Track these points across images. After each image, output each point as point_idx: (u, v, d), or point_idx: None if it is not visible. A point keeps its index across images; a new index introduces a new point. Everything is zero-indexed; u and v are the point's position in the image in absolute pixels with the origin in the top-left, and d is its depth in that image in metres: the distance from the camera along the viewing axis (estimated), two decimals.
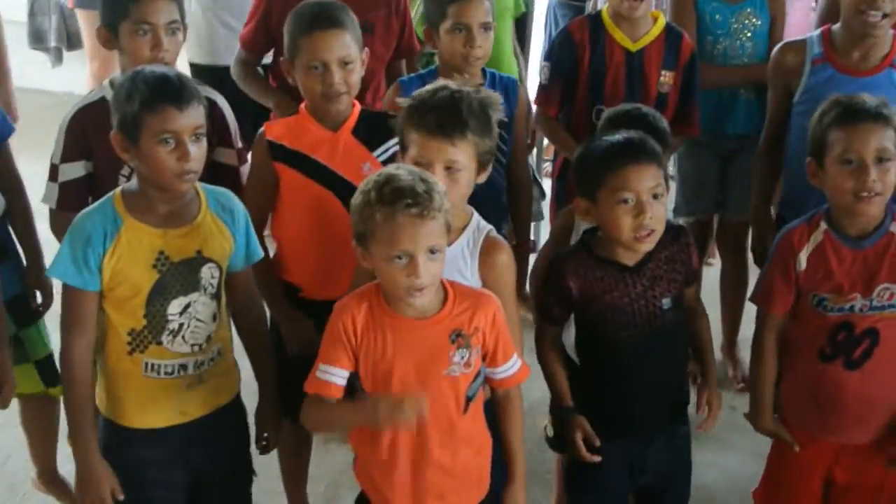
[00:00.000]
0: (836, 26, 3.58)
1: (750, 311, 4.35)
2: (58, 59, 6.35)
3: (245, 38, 3.93)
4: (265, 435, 3.01)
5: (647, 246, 2.83)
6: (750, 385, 3.19)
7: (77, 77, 6.22)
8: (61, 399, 3.39)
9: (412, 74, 3.71)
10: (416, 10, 4.25)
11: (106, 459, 2.77)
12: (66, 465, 3.66)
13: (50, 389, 3.54)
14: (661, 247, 2.88)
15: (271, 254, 3.26)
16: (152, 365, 2.75)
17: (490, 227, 2.81)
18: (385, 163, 3.09)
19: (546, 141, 5.58)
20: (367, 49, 3.21)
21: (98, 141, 3.07)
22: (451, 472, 2.64)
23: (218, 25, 4.57)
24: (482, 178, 2.79)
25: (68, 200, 3.16)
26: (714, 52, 4.12)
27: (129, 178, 3.05)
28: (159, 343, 2.73)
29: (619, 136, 2.88)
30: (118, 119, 2.68)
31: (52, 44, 6.27)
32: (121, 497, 2.75)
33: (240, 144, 3.34)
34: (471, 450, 2.68)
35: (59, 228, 3.24)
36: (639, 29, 3.79)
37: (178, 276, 2.71)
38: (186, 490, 2.88)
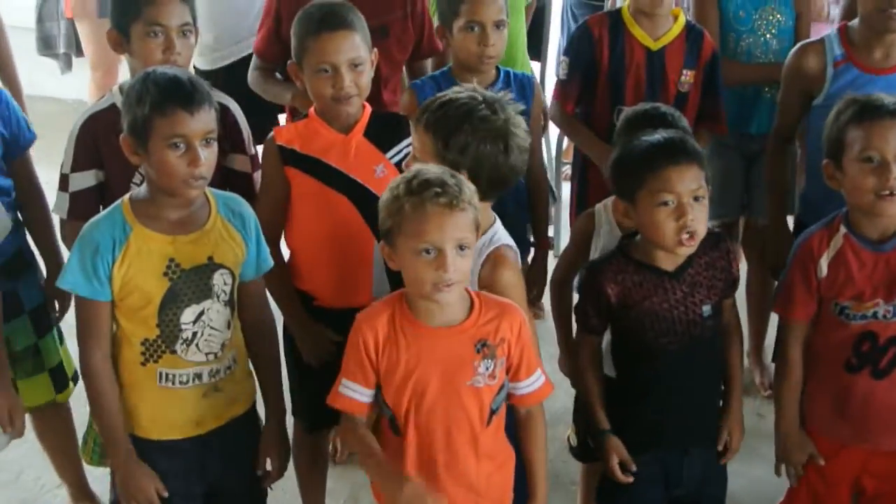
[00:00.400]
0: (853, 23, 3.55)
1: (777, 316, 4.34)
2: (67, 65, 6.35)
3: (258, 47, 3.92)
4: (268, 461, 2.97)
5: (688, 250, 2.80)
6: (774, 396, 3.16)
7: (86, 83, 6.23)
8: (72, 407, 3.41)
9: (424, 77, 3.70)
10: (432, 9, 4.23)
11: None
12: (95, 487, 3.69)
13: (58, 396, 3.55)
14: (701, 252, 2.85)
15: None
16: (167, 375, 2.74)
17: (505, 242, 2.77)
18: (398, 164, 3.09)
19: (565, 144, 5.58)
20: (375, 50, 3.20)
21: (109, 149, 3.06)
22: (473, 486, 2.64)
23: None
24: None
25: (79, 210, 3.15)
26: (737, 50, 4.09)
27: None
28: (173, 352, 2.72)
29: (658, 136, 2.85)
30: (128, 121, 2.67)
31: (62, 50, 6.27)
32: (165, 494, 2.76)
33: (253, 151, 3.32)
34: (493, 464, 2.67)
35: (69, 239, 3.22)
36: (660, 27, 3.77)
37: (189, 283, 2.70)
38: (203, 501, 2.87)
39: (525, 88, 3.59)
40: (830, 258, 2.91)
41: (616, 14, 3.85)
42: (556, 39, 5.92)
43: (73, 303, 3.02)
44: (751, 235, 4.45)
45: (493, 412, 2.62)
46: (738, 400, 3.07)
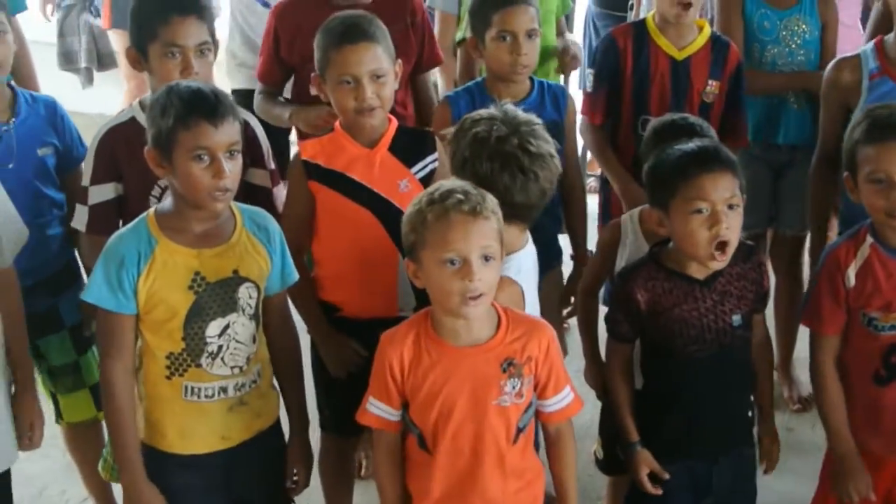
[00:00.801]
0: (889, 37, 3.55)
1: (806, 329, 4.32)
2: (88, 79, 6.38)
3: (260, 73, 3.93)
4: (294, 472, 2.97)
5: (720, 263, 2.79)
6: (821, 417, 3.12)
7: (108, 98, 6.25)
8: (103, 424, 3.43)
9: (460, 88, 3.69)
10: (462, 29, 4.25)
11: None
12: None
13: (100, 414, 3.54)
14: (732, 263, 2.85)
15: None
16: (192, 388, 2.74)
17: (510, 276, 2.74)
18: (423, 180, 3.10)
19: (589, 156, 5.57)
20: (399, 61, 3.21)
21: (128, 162, 3.08)
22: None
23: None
24: None
25: (98, 223, 3.16)
26: (762, 60, 4.09)
27: (159, 200, 3.05)
28: (198, 366, 2.72)
29: (692, 145, 2.85)
30: (152, 134, 2.69)
31: (83, 64, 6.31)
32: None
33: (272, 165, 3.33)
34: (520, 482, 2.67)
35: (88, 252, 3.26)
36: (685, 37, 3.79)
37: (215, 296, 2.71)
38: None
39: (559, 99, 3.61)
40: (858, 268, 2.90)
41: (641, 24, 3.87)
42: None
43: None
44: (779, 247, 4.44)
45: (519, 430, 2.62)
46: (770, 413, 3.08)
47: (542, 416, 2.67)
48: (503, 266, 2.63)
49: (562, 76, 4.60)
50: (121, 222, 3.14)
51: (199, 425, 2.77)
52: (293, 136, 4.08)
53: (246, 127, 3.02)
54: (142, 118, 3.09)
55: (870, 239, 2.91)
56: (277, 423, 2.95)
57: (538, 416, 2.68)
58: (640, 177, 3.61)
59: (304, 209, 3.16)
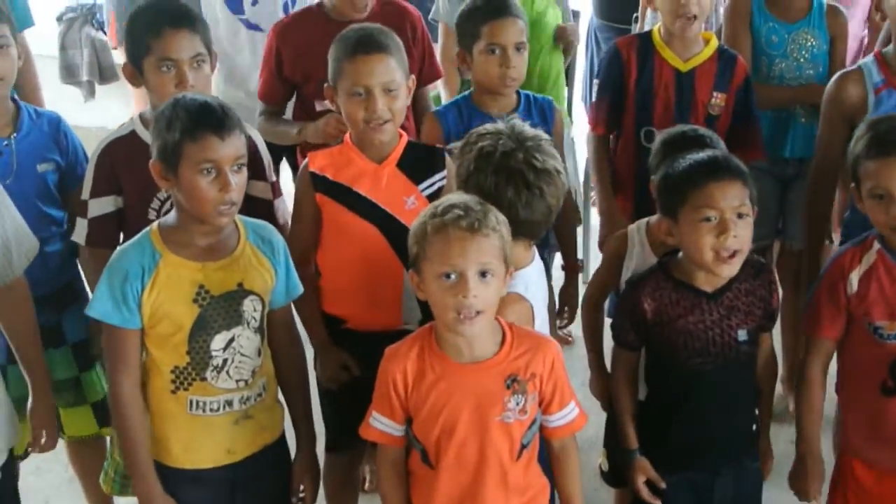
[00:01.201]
0: (889, 49, 3.54)
1: None
2: (90, 93, 6.40)
3: (261, 92, 3.92)
4: (301, 488, 2.97)
5: (729, 269, 2.80)
6: (796, 414, 3.14)
7: (110, 111, 6.27)
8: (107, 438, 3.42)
9: (447, 102, 3.71)
10: None
11: None
12: None
13: (104, 430, 3.58)
14: (742, 279, 2.86)
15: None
16: (197, 402, 2.75)
17: (517, 291, 2.74)
18: (430, 197, 3.10)
19: None
20: (413, 76, 3.21)
21: (127, 175, 3.09)
22: None
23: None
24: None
25: (97, 237, 3.17)
26: (770, 74, 4.09)
27: (159, 213, 3.06)
28: (203, 379, 2.73)
29: (703, 154, 2.87)
30: (158, 147, 2.69)
31: (85, 78, 6.32)
32: None
33: (273, 178, 3.34)
34: (523, 499, 2.66)
35: (88, 266, 3.26)
36: (690, 49, 3.80)
37: (219, 310, 2.71)
38: None
39: (546, 112, 3.62)
40: (862, 273, 2.90)
41: (646, 36, 3.88)
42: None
43: None
44: (786, 260, 4.43)
45: (523, 447, 2.62)
46: (766, 429, 3.10)
47: (547, 432, 2.67)
48: (511, 283, 2.63)
49: (564, 90, 4.62)
50: (121, 235, 3.16)
51: (205, 439, 2.78)
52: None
53: (248, 139, 3.02)
54: (141, 131, 3.10)
55: (877, 245, 2.90)
56: (283, 437, 2.96)
57: (542, 431, 2.68)
58: (640, 187, 3.64)
59: (310, 220, 3.17)
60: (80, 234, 3.21)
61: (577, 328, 3.75)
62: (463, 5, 3.65)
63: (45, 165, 3.35)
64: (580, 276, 3.96)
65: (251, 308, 2.76)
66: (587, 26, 5.99)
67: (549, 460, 2.73)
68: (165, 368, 2.73)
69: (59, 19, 6.35)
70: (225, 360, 2.73)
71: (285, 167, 4.04)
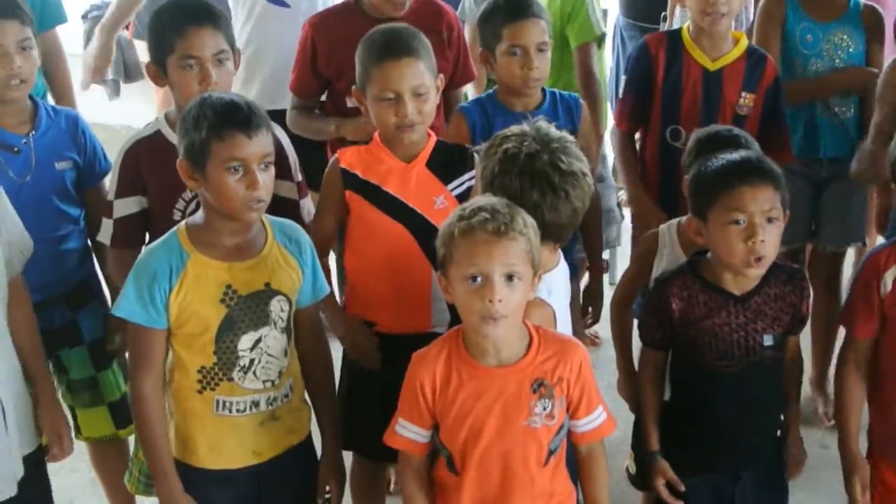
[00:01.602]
0: None
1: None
2: (115, 91, 6.40)
3: (294, 86, 3.92)
4: (327, 489, 2.97)
5: (756, 272, 2.80)
6: (836, 413, 3.13)
7: (135, 110, 6.29)
8: (129, 439, 3.44)
9: (472, 99, 3.70)
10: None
11: None
12: None
13: (120, 431, 3.59)
14: (772, 284, 2.86)
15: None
16: (224, 402, 2.75)
17: (541, 297, 2.73)
18: (460, 196, 3.10)
19: None
20: (441, 76, 3.21)
21: (152, 175, 3.09)
22: None
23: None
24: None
25: (123, 237, 3.17)
26: (805, 74, 4.08)
27: (184, 214, 3.07)
28: (230, 380, 2.73)
29: (736, 155, 2.86)
30: (185, 146, 2.70)
31: (110, 76, 6.32)
32: None
33: (300, 177, 3.33)
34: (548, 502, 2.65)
35: (114, 266, 3.27)
36: (719, 48, 3.80)
37: (247, 310, 2.72)
38: None
39: (572, 109, 3.62)
40: None
41: (675, 34, 3.88)
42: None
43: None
44: (817, 263, 4.41)
45: (551, 452, 2.61)
46: (795, 429, 3.09)
47: (574, 437, 2.66)
48: (537, 287, 2.62)
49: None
50: (146, 235, 3.16)
51: (230, 440, 2.78)
52: None
53: (273, 138, 3.03)
54: (167, 131, 3.11)
55: None
56: (309, 438, 2.96)
57: (569, 436, 2.67)
58: (665, 185, 3.62)
59: (335, 214, 3.18)
60: (105, 234, 3.22)
61: (603, 329, 3.73)
62: (485, 5, 3.65)
63: (63, 163, 3.37)
64: (605, 276, 3.95)
65: (278, 308, 2.76)
66: (613, 25, 5.98)
67: (575, 467, 2.72)
68: (192, 368, 2.73)
69: (85, 17, 6.35)
70: (252, 361, 2.74)
71: None
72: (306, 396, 2.94)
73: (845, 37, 4.03)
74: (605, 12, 5.04)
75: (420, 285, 3.10)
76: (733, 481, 2.96)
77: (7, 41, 3.19)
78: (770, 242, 2.76)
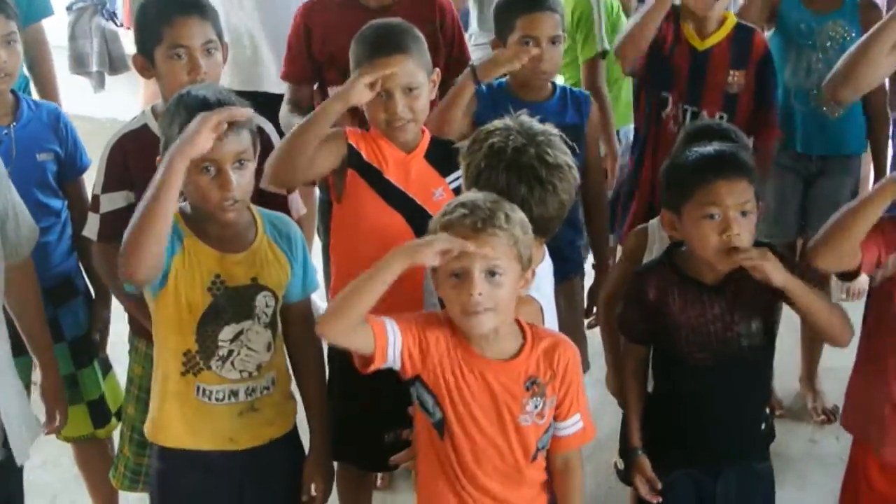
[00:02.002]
0: None
1: (829, 346, 4.29)
2: (100, 83, 6.41)
3: (286, 71, 3.91)
4: (312, 487, 2.96)
5: (731, 265, 2.79)
6: None
7: (120, 102, 6.29)
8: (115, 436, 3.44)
9: (484, 85, 3.69)
10: None
11: (162, 493, 2.82)
12: None
13: (98, 431, 3.58)
14: (744, 269, 2.82)
15: None
16: (203, 389, 2.75)
17: (530, 294, 2.70)
18: (457, 190, 3.07)
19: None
20: (437, 70, 3.20)
21: (139, 170, 3.07)
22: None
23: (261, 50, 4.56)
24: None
25: (109, 232, 3.16)
26: (798, 65, 4.08)
27: None
28: (209, 368, 2.73)
29: (710, 148, 2.87)
30: (162, 144, 2.70)
31: (94, 68, 6.34)
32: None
33: None
34: (532, 491, 2.64)
35: (100, 262, 3.26)
36: (708, 27, 3.82)
37: (231, 302, 2.72)
38: None
39: (581, 104, 3.63)
40: None
41: (677, 8, 3.88)
42: None
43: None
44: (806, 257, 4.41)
45: (539, 449, 2.60)
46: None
47: (553, 443, 2.63)
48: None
49: None
50: None
51: (207, 424, 2.78)
52: None
53: (261, 133, 3.04)
54: (153, 125, 3.10)
55: None
56: (294, 434, 2.95)
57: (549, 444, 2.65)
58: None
59: (330, 156, 3.07)
60: (91, 229, 3.21)
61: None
62: None
63: (45, 155, 3.38)
64: None
65: (263, 304, 2.76)
66: None
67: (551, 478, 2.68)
68: (179, 350, 2.72)
69: (69, 9, 6.36)
70: (230, 352, 2.74)
71: None
72: (294, 392, 2.94)
73: (841, 29, 4.04)
74: None
75: (412, 279, 3.07)
76: (714, 477, 2.96)
77: None
78: (745, 234, 2.76)
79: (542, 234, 2.77)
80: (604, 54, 4.54)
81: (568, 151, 2.78)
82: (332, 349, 3.26)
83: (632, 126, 4.26)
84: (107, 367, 3.62)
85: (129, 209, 3.11)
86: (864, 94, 3.56)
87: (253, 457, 2.83)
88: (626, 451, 3.02)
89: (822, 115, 4.13)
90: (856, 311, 3.02)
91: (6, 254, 2.80)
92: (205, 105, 2.65)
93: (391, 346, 2.49)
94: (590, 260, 3.94)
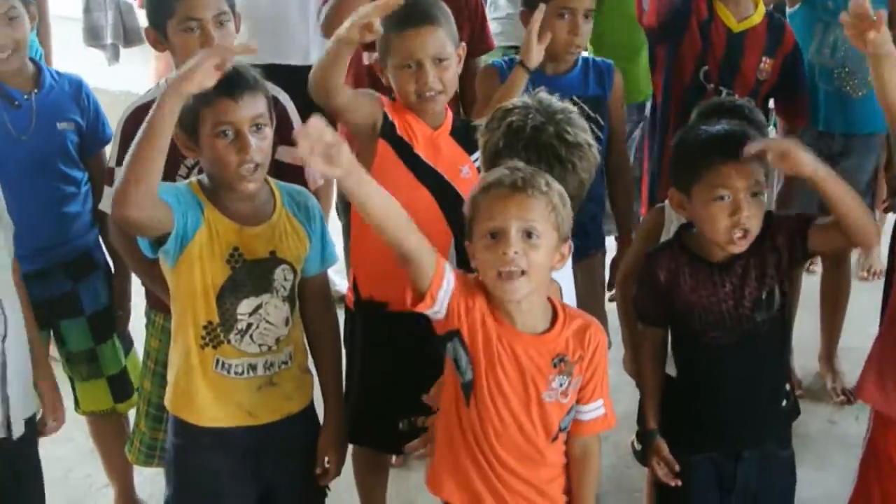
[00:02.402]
0: None
1: (850, 320, 4.30)
2: (114, 56, 6.41)
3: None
4: (326, 460, 2.96)
5: (739, 248, 2.79)
6: None
7: (135, 75, 6.28)
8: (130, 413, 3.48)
9: (505, 58, 3.68)
10: None
11: (178, 468, 2.83)
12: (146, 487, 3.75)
13: (119, 405, 3.60)
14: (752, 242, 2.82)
15: None
16: (223, 363, 2.76)
17: None
18: (480, 168, 3.06)
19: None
20: (463, 44, 3.19)
21: None
22: (534, 486, 2.60)
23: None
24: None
25: None
26: (824, 42, 4.07)
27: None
28: (228, 342, 2.74)
29: (719, 128, 2.85)
30: (179, 117, 2.68)
31: (109, 41, 6.33)
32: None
33: None
34: (551, 472, 2.64)
35: (116, 235, 3.26)
36: (743, 9, 3.82)
37: (250, 275, 2.72)
38: (257, 502, 2.88)
39: (604, 75, 3.62)
40: None
41: None
42: None
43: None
44: None
45: (561, 430, 2.60)
46: None
47: (574, 427, 2.63)
48: None
49: None
50: None
51: (226, 399, 2.78)
52: None
53: (276, 103, 3.04)
54: None
55: None
56: (311, 409, 2.95)
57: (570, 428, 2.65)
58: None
59: (366, 102, 3.07)
60: (107, 203, 3.21)
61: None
62: None
63: (65, 124, 3.40)
64: None
65: (282, 277, 2.76)
66: None
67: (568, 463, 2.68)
68: (199, 322, 2.72)
69: None
70: (249, 325, 2.74)
71: None
72: (310, 366, 2.94)
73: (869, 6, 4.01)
74: None
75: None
76: (735, 460, 2.95)
77: None
78: (754, 216, 2.75)
79: None
80: None
81: (587, 129, 2.77)
82: (351, 331, 3.27)
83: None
84: (129, 343, 3.63)
85: None
86: None
87: (270, 431, 2.83)
88: (643, 433, 3.02)
89: (846, 94, 4.12)
90: (875, 291, 3.01)
91: None
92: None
93: (444, 289, 2.47)
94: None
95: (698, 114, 3.22)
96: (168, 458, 2.91)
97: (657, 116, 4.06)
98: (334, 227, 3.89)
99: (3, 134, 3.27)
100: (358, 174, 2.31)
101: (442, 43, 3.06)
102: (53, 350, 3.54)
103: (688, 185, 2.82)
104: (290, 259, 2.77)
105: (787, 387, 3.07)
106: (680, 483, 2.92)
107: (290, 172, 3.16)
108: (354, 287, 3.25)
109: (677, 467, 2.92)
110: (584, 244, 3.43)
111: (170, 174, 3.07)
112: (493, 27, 4.31)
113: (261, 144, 2.68)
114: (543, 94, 2.80)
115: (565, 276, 2.79)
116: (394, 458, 3.87)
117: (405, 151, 3.08)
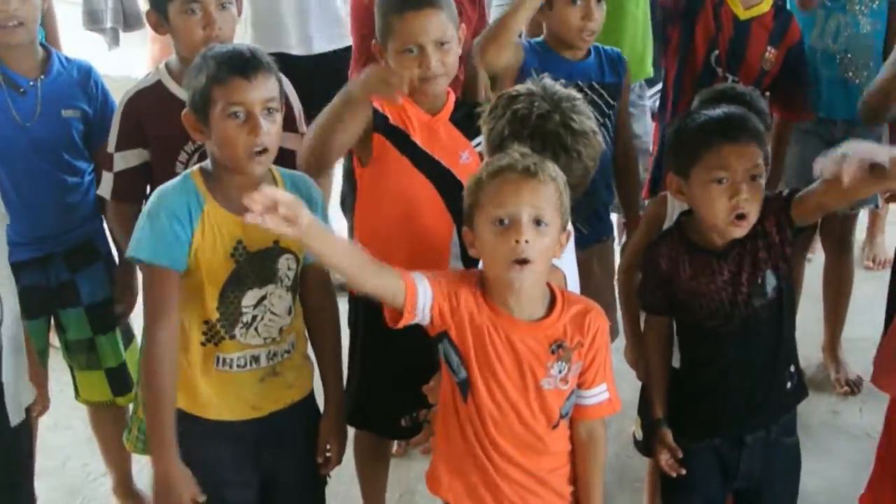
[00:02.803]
0: None
1: (854, 310, 4.29)
2: (114, 40, 6.39)
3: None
4: (328, 447, 2.96)
5: (740, 231, 2.79)
6: None
7: (135, 59, 6.27)
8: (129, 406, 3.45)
9: (527, 40, 3.67)
10: None
11: (181, 458, 2.79)
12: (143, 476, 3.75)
13: (118, 399, 3.60)
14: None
15: None
16: (224, 359, 2.75)
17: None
18: (481, 154, 3.06)
19: None
20: (463, 25, 3.19)
21: (153, 127, 3.08)
22: (535, 476, 2.60)
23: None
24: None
25: (123, 191, 3.17)
26: (825, 29, 4.06)
27: (186, 167, 3.05)
28: (232, 337, 2.73)
29: (718, 111, 2.86)
30: (189, 97, 2.69)
31: (109, 25, 6.32)
32: (201, 500, 2.72)
33: (304, 129, 3.31)
34: (555, 461, 2.64)
35: (114, 221, 3.26)
36: None
37: (254, 266, 2.71)
38: (258, 491, 2.88)
39: (616, 63, 3.62)
40: None
41: None
42: None
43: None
44: (829, 226, 4.40)
45: (562, 416, 2.59)
46: None
47: (577, 412, 2.63)
48: None
49: None
50: (148, 189, 3.16)
51: (230, 394, 2.78)
52: None
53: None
54: (168, 81, 3.10)
55: None
56: (311, 397, 2.95)
57: (573, 413, 2.64)
58: None
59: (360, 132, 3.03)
60: (105, 188, 3.21)
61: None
62: None
63: (71, 112, 3.37)
64: None
65: (286, 266, 2.76)
66: None
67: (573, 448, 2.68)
68: (200, 319, 2.72)
69: None
70: (254, 317, 2.74)
71: None
72: (310, 353, 2.94)
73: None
74: None
75: (439, 244, 3.06)
76: (738, 448, 2.95)
77: None
78: (753, 199, 2.75)
79: None
80: None
81: (592, 116, 2.77)
82: (354, 318, 3.26)
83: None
84: (130, 337, 3.62)
85: (144, 167, 3.12)
86: None
87: (272, 420, 2.84)
88: (647, 422, 3.02)
89: (847, 80, 4.12)
90: (880, 280, 3.01)
91: None
92: (234, 52, 2.66)
93: (421, 300, 2.48)
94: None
95: (700, 100, 3.22)
96: None
97: (669, 99, 4.05)
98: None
99: (7, 121, 3.25)
100: (318, 231, 2.34)
101: (444, 26, 3.04)
102: (53, 338, 3.54)
103: (686, 168, 2.82)
104: (294, 248, 2.76)
105: (792, 368, 3.05)
106: (684, 472, 2.93)
107: (290, 159, 3.15)
108: None
109: (681, 454, 2.92)
110: (599, 229, 3.43)
111: (169, 161, 3.09)
112: (495, 14, 4.30)
113: (271, 129, 2.67)
114: (548, 80, 2.80)
115: (568, 263, 2.79)
116: (395, 447, 3.88)
117: (400, 140, 3.07)
